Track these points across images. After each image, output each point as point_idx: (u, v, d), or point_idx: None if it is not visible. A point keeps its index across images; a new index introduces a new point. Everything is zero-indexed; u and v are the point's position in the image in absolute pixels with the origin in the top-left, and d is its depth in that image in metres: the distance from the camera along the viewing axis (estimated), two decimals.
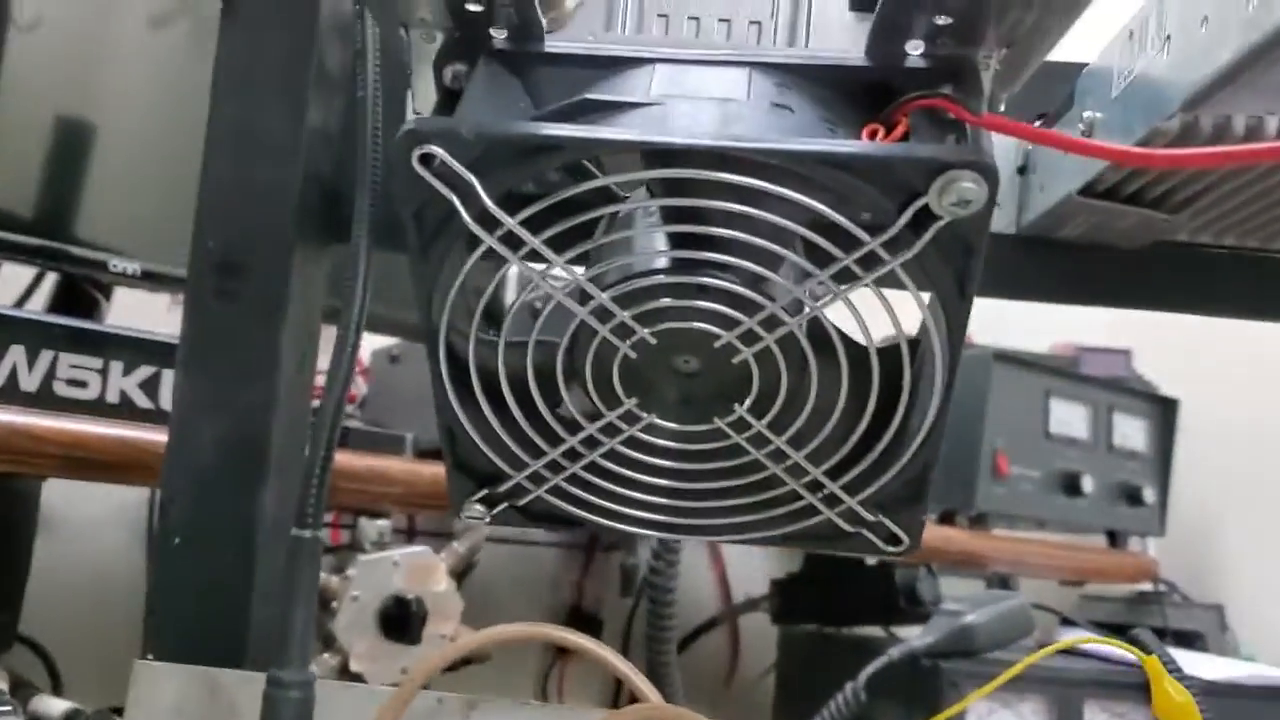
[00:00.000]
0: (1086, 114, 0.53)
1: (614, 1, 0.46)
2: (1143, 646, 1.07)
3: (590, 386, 0.42)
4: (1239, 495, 1.53)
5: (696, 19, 0.46)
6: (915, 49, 0.39)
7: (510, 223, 0.37)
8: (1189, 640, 1.37)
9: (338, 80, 0.62)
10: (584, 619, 1.37)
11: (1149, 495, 1.45)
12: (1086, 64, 0.56)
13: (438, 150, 0.36)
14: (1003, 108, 0.43)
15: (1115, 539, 1.48)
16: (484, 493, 0.46)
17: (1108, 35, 0.53)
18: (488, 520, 0.46)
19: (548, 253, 0.38)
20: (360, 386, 1.28)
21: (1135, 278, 0.64)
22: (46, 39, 0.93)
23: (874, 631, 1.24)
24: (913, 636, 1.05)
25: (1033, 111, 0.58)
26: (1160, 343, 1.51)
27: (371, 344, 1.19)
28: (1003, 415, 1.28)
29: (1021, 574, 1.38)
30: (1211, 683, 1.04)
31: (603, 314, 0.40)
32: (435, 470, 0.93)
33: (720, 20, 0.46)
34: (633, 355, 0.41)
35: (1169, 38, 0.45)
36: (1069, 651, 1.22)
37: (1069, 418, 1.38)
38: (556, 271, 0.39)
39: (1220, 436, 1.51)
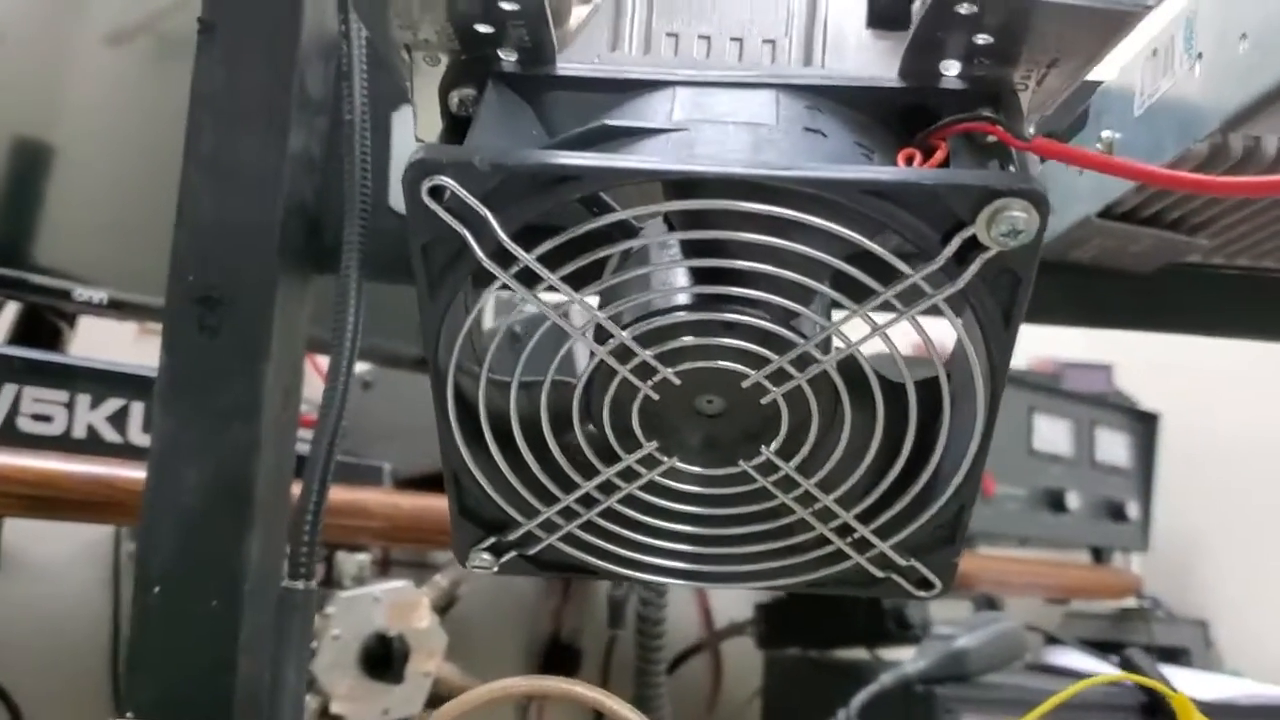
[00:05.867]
0: (1105, 133, 0.51)
1: (620, 21, 0.43)
2: (1136, 667, 1.06)
3: (607, 429, 0.40)
4: (1221, 509, 1.52)
5: (707, 38, 0.43)
6: (951, 69, 0.37)
7: (527, 259, 0.35)
8: (1174, 656, 1.36)
9: (320, 102, 0.59)
10: (563, 650, 1.34)
11: (1132, 511, 1.44)
12: (1100, 82, 0.54)
13: (449, 182, 0.33)
14: (1032, 130, 0.41)
15: (1099, 555, 1.47)
16: (491, 541, 0.43)
17: (1120, 55, 0.52)
18: (495, 570, 0.43)
19: (566, 290, 0.36)
20: None
21: (1145, 301, 0.62)
22: (5, 56, 0.89)
23: (860, 655, 1.22)
24: (899, 660, 1.03)
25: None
26: (1140, 357, 1.51)
27: None
28: None
29: (1007, 593, 1.36)
30: (1208, 704, 1.02)
31: (623, 353, 0.37)
32: (415, 502, 0.90)
33: (732, 39, 0.43)
34: (654, 396, 0.38)
35: (1200, 56, 0.43)
36: (1060, 673, 1.21)
37: (1052, 434, 1.37)
38: (573, 310, 0.37)
39: (1201, 450, 1.50)
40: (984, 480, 1.27)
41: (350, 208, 0.51)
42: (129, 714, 0.52)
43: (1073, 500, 1.35)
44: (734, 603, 1.36)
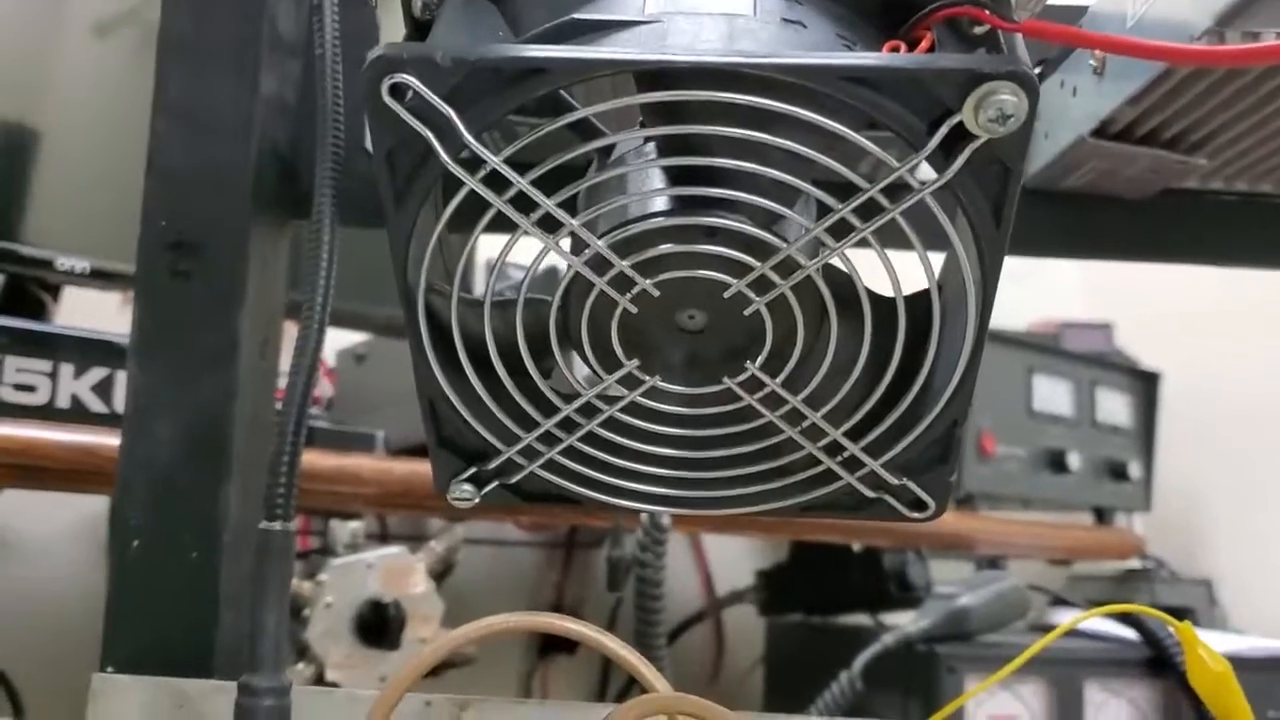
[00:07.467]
0: (1098, 52, 0.49)
1: None
2: (1141, 620, 1.05)
3: (586, 348, 0.38)
4: (1224, 467, 1.51)
5: None
6: None
7: (495, 161, 0.33)
8: (1179, 616, 1.34)
9: (292, 43, 0.58)
10: None
11: (1134, 471, 1.42)
12: (1085, 7, 0.53)
13: (410, 80, 0.32)
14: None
15: (1102, 516, 1.46)
16: (472, 471, 0.42)
17: None
18: (476, 500, 0.42)
19: (537, 195, 0.34)
20: (325, 388, 1.23)
21: (1142, 230, 0.61)
22: None
23: (862, 620, 1.21)
24: (901, 623, 1.02)
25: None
26: (1140, 316, 1.49)
27: (336, 344, 1.15)
28: (986, 394, 1.25)
29: (1010, 555, 1.35)
30: None
31: (599, 264, 0.36)
32: (408, 468, 0.89)
33: None
34: (633, 310, 0.37)
35: None
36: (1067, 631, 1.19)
37: (1052, 394, 1.36)
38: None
39: (1203, 408, 1.49)
40: (984, 440, 1.26)
41: (322, 146, 0.49)
42: (109, 667, 0.51)
43: (1074, 461, 1.34)
44: (735, 570, 1.35)
